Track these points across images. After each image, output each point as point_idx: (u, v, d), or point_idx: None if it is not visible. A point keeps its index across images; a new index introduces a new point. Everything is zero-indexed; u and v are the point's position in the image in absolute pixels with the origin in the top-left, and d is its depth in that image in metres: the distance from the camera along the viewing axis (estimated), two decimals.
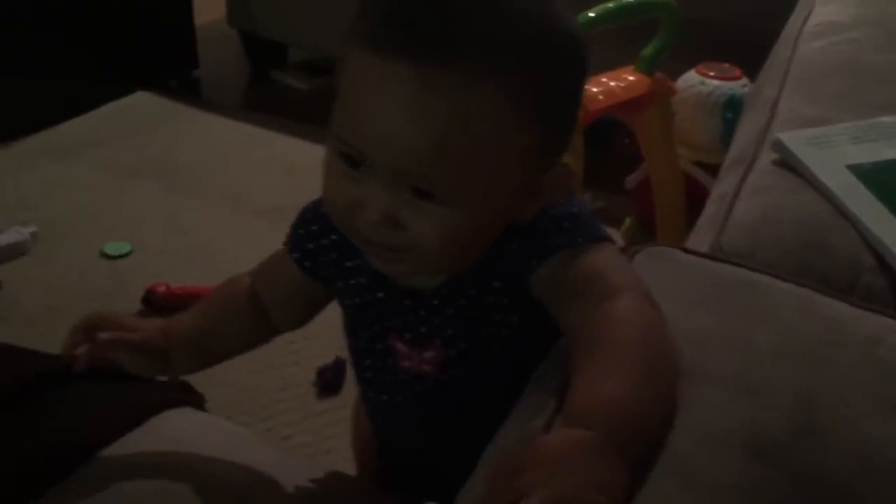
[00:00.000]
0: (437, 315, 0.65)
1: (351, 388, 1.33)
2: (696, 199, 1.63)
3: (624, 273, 0.59)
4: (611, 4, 1.42)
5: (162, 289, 1.47)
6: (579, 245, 0.60)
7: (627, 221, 1.77)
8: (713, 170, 1.64)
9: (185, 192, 1.85)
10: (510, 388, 0.60)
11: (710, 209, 0.90)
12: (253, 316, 0.78)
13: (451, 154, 0.54)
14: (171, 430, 0.79)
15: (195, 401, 0.94)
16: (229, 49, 2.51)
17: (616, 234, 1.67)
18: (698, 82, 1.66)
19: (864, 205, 0.78)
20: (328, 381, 1.34)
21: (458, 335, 0.65)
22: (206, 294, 0.83)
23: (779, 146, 0.88)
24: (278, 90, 2.39)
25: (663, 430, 0.51)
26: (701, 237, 0.84)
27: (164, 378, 0.83)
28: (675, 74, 1.69)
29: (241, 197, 1.85)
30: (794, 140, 0.88)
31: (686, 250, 0.72)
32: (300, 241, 0.72)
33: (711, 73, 1.67)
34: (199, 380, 1.30)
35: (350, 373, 1.32)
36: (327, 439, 1.25)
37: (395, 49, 0.53)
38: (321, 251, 0.70)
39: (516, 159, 0.57)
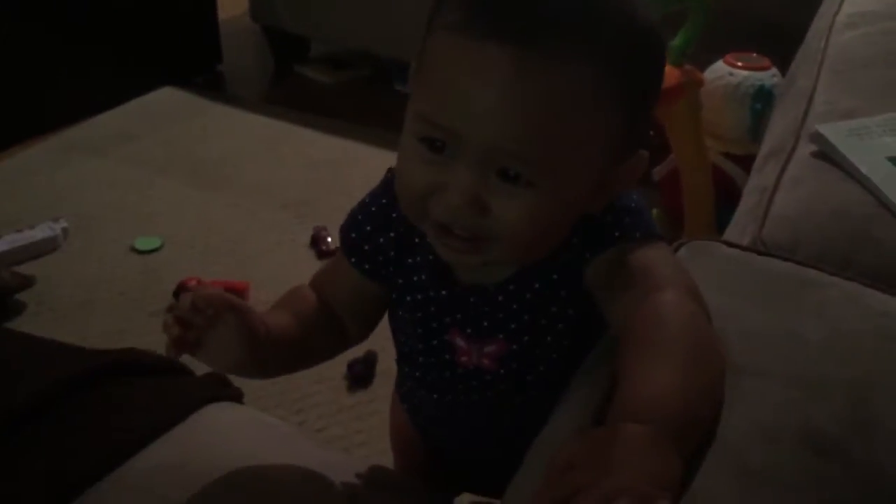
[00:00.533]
0: (501, 310, 0.65)
1: (381, 382, 1.34)
2: (723, 190, 1.63)
3: (673, 269, 0.59)
4: None
5: (193, 283, 1.48)
6: (636, 239, 0.61)
7: (655, 212, 1.76)
8: (741, 161, 1.64)
9: (212, 187, 1.86)
10: (561, 381, 0.61)
11: (749, 202, 0.90)
12: (327, 326, 0.73)
13: (545, 135, 0.54)
14: (214, 425, 0.79)
15: (234, 395, 0.95)
16: (252, 44, 2.52)
17: None
18: (727, 73, 1.65)
19: None
20: (359, 374, 1.35)
21: (520, 329, 0.65)
22: (287, 302, 0.76)
23: (818, 138, 0.88)
24: (301, 84, 2.40)
25: (712, 423, 0.51)
26: (741, 230, 0.84)
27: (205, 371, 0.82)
28: (704, 65, 1.68)
29: (268, 191, 1.86)
30: (834, 132, 0.87)
31: (729, 244, 0.72)
32: (355, 245, 0.70)
33: (740, 64, 1.66)
34: (232, 375, 1.32)
35: (382, 367, 1.34)
36: (359, 432, 1.26)
37: (493, 32, 0.53)
38: (379, 251, 0.69)
39: (602, 146, 0.57)
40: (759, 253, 0.70)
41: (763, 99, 1.62)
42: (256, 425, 0.84)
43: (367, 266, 0.69)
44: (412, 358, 0.72)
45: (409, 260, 0.68)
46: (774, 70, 1.64)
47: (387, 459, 0.95)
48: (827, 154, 0.86)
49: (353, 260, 0.70)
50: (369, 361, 1.36)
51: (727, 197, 1.48)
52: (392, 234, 0.68)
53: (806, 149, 0.90)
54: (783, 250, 0.77)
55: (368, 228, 0.69)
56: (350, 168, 1.97)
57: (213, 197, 1.82)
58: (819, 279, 0.65)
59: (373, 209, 0.68)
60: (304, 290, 0.75)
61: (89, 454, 0.69)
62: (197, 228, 1.72)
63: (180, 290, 1.48)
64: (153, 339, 1.39)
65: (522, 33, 0.53)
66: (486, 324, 0.66)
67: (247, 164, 1.96)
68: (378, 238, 0.68)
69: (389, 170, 0.68)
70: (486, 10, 0.54)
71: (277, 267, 1.61)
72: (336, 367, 1.37)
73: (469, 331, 0.67)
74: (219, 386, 0.97)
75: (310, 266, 1.62)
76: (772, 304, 0.62)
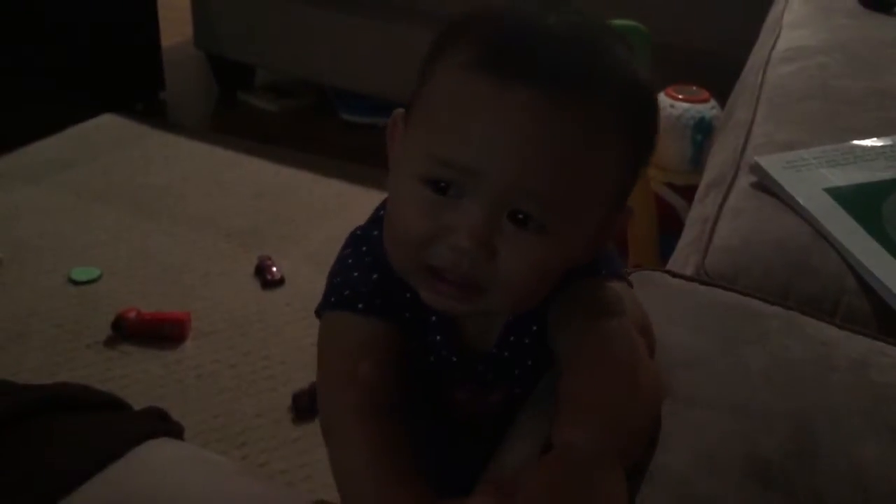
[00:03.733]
0: (505, 362, 0.63)
1: None
2: (666, 219, 1.66)
3: (629, 303, 0.60)
4: None
5: (132, 314, 1.45)
6: (600, 275, 0.61)
7: None
8: (683, 191, 1.66)
9: (153, 216, 1.83)
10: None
11: (691, 232, 0.91)
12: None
13: (565, 177, 0.53)
14: (152, 462, 0.77)
15: (174, 430, 0.93)
16: (196, 71, 2.50)
17: None
18: (668, 105, 1.69)
19: (843, 228, 0.79)
20: (304, 407, 1.33)
21: (524, 374, 0.63)
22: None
23: (757, 169, 0.89)
24: (246, 112, 2.38)
25: (649, 447, 0.52)
26: (684, 259, 0.85)
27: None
28: None
29: (211, 220, 1.83)
30: (772, 163, 0.89)
31: (673, 274, 0.72)
32: (369, 299, 0.60)
33: (680, 96, 1.70)
34: (173, 407, 1.28)
35: None
36: (303, 466, 1.23)
37: (520, 72, 0.52)
38: (397, 302, 0.61)
39: (608, 195, 0.57)
40: (703, 283, 0.71)
41: (703, 130, 1.65)
42: (196, 462, 0.82)
43: (378, 301, 0.60)
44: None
45: (432, 318, 0.62)
46: (714, 102, 1.68)
47: (331, 494, 0.93)
48: (766, 185, 0.88)
49: (367, 308, 0.60)
50: (314, 393, 1.34)
51: (670, 226, 1.50)
52: (407, 294, 0.61)
53: (745, 180, 0.91)
54: (726, 280, 0.77)
55: (376, 278, 0.61)
56: (295, 197, 1.95)
57: (154, 226, 1.79)
58: (761, 309, 0.66)
59: (375, 265, 0.61)
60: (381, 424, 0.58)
61: (18, 496, 0.66)
62: (136, 258, 1.68)
63: (119, 321, 1.45)
64: (89, 371, 1.37)
65: (550, 75, 0.52)
66: (490, 377, 0.64)
67: (189, 193, 1.93)
68: (391, 291, 0.61)
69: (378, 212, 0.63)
70: (510, 50, 0.53)
71: (220, 297, 1.58)
72: (280, 400, 1.35)
73: (473, 386, 0.65)
74: (157, 421, 0.94)
75: (254, 296, 1.60)
76: (716, 333, 0.62)
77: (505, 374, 0.64)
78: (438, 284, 0.55)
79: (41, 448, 0.73)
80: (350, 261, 0.62)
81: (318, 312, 0.63)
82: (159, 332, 1.44)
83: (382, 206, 0.64)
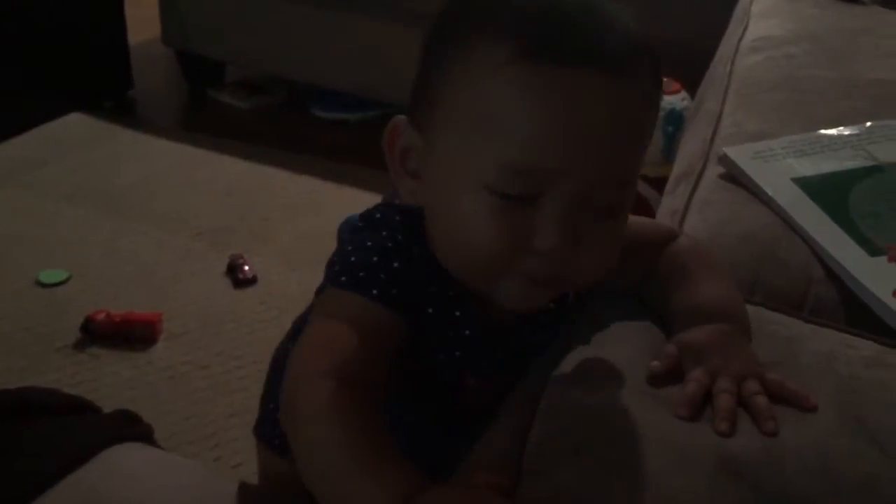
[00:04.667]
0: (523, 344, 0.64)
1: None
2: (639, 211, 1.65)
3: (661, 223, 0.73)
4: None
5: (101, 316, 1.43)
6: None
7: None
8: (655, 182, 1.66)
9: (123, 216, 1.80)
10: None
11: (674, 227, 0.91)
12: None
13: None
14: (119, 467, 0.76)
15: (144, 433, 0.91)
16: (165, 68, 2.46)
17: None
18: None
19: (810, 217, 0.79)
20: None
21: (535, 353, 0.64)
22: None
23: (725, 160, 0.89)
24: (216, 109, 2.35)
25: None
26: None
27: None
28: None
29: (181, 218, 1.81)
30: (740, 154, 0.89)
31: None
32: (382, 281, 0.57)
33: None
34: (144, 409, 1.27)
35: None
36: None
37: (579, 60, 0.51)
38: (412, 284, 0.58)
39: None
40: None
41: (674, 122, 1.65)
42: (163, 466, 0.81)
43: (394, 291, 0.57)
44: (399, 402, 0.61)
45: (456, 313, 0.61)
46: (684, 93, 1.68)
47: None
48: (734, 176, 0.88)
49: (380, 296, 0.57)
50: None
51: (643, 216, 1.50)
52: (432, 289, 0.59)
53: (714, 171, 0.91)
54: None
55: (397, 266, 0.58)
56: (267, 194, 1.94)
57: (124, 226, 1.76)
58: None
59: (398, 252, 0.58)
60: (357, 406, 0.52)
61: None
62: (106, 259, 1.65)
63: (88, 323, 1.43)
64: (58, 376, 1.35)
65: (607, 55, 0.51)
66: (500, 356, 0.64)
67: (159, 192, 1.91)
68: (412, 284, 0.58)
69: (378, 208, 0.61)
70: (558, 36, 0.51)
71: (191, 297, 1.56)
72: (253, 400, 1.32)
73: (486, 371, 0.64)
74: (126, 424, 0.93)
75: (226, 295, 1.58)
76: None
77: (518, 355, 0.64)
78: (530, 289, 0.55)
79: (7, 453, 0.72)
80: (369, 243, 0.58)
81: (321, 289, 0.59)
82: (129, 334, 1.42)
83: (394, 195, 0.62)
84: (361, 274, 0.56)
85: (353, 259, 0.57)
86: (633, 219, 0.65)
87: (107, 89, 2.29)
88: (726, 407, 0.53)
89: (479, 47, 0.52)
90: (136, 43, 2.37)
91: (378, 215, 0.61)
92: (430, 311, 0.60)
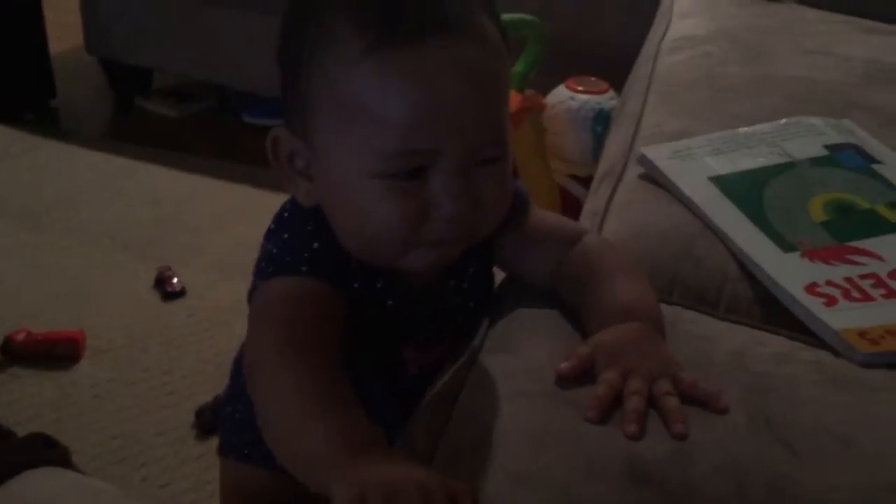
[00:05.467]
0: (451, 312, 0.67)
1: None
2: (572, 211, 1.66)
3: (570, 221, 0.72)
4: None
5: (21, 336, 1.38)
6: (529, 207, 0.68)
7: None
8: (587, 182, 1.67)
9: (44, 230, 1.75)
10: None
11: (584, 225, 0.91)
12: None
13: (502, 109, 0.57)
14: (31, 492, 0.73)
15: (60, 456, 0.88)
16: (90, 77, 2.40)
17: None
18: (568, 97, 1.69)
19: (726, 215, 0.80)
20: (208, 422, 1.28)
21: (467, 319, 0.67)
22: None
23: (643, 160, 0.90)
24: (144, 118, 2.30)
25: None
26: None
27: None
28: (545, 90, 1.71)
29: (107, 231, 1.76)
30: (658, 154, 0.89)
31: None
32: (311, 262, 0.60)
33: (580, 88, 1.70)
34: (68, 430, 1.23)
35: None
36: (208, 484, 1.19)
37: (426, 35, 0.53)
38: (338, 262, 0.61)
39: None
40: None
41: (603, 121, 1.66)
42: (79, 491, 0.79)
43: (321, 266, 0.60)
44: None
45: (378, 285, 0.64)
46: (612, 93, 1.70)
47: None
48: (653, 176, 0.88)
49: (311, 271, 0.59)
50: (217, 407, 1.30)
51: (576, 218, 1.51)
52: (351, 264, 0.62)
53: (634, 171, 0.91)
54: None
55: (317, 246, 0.61)
56: (197, 203, 1.90)
57: (45, 240, 1.71)
58: None
59: (317, 234, 0.61)
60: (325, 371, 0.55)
61: None
62: (26, 276, 1.60)
63: (7, 343, 1.38)
64: None
65: (450, 23, 0.54)
66: (435, 329, 0.66)
67: (84, 204, 1.85)
68: (335, 261, 0.61)
69: (285, 208, 0.64)
70: (401, 17, 0.54)
71: (117, 312, 1.52)
72: (182, 417, 1.30)
73: (420, 342, 0.67)
74: (40, 449, 0.90)
75: (153, 309, 1.54)
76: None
77: (448, 323, 0.67)
78: (436, 252, 0.59)
79: None
80: (286, 235, 0.61)
81: (252, 292, 0.61)
82: (52, 353, 1.37)
83: (291, 205, 0.64)
84: (287, 259, 0.59)
85: (275, 251, 0.61)
86: (543, 215, 0.70)
87: (28, 100, 2.22)
88: (635, 409, 0.53)
89: (331, 47, 0.55)
90: (59, 51, 2.31)
91: (286, 214, 0.64)
92: (356, 285, 0.62)
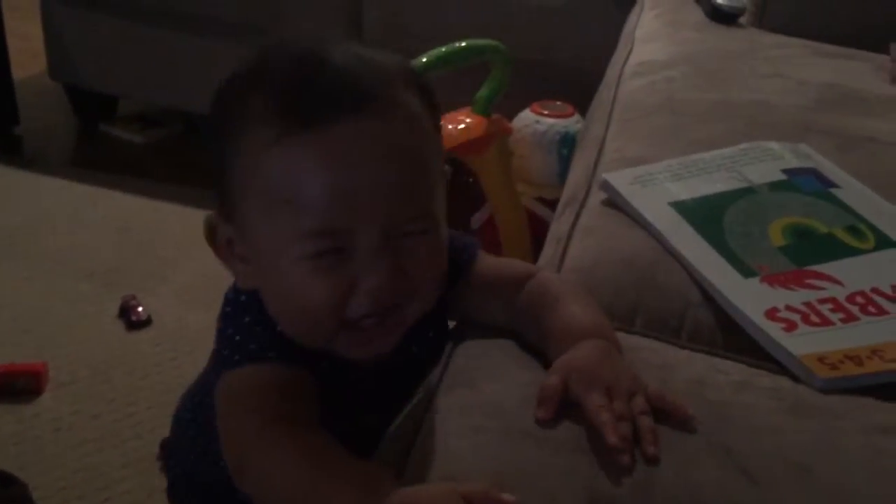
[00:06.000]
0: (405, 379, 0.66)
1: None
2: (540, 234, 1.67)
3: (521, 262, 0.73)
4: (442, 49, 1.43)
5: None
6: (477, 256, 0.69)
7: None
8: (554, 205, 1.68)
9: (5, 259, 1.72)
10: None
11: (548, 251, 0.91)
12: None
13: (424, 181, 0.58)
14: None
15: (17, 495, 0.87)
16: (54, 103, 2.38)
17: None
18: (533, 121, 1.70)
19: (687, 241, 0.80)
20: None
21: (419, 379, 0.66)
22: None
23: (606, 186, 0.90)
24: (109, 144, 2.28)
25: None
26: None
27: None
28: (511, 114, 1.72)
29: (70, 260, 1.73)
30: (620, 180, 0.90)
31: None
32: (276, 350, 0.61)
33: (546, 112, 1.72)
34: (29, 465, 1.21)
35: None
36: None
37: (337, 117, 0.54)
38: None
39: (440, 180, 0.61)
40: None
41: (569, 145, 1.67)
42: None
43: (288, 350, 0.61)
44: None
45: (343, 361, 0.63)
46: (578, 116, 1.71)
47: None
48: (615, 202, 0.89)
49: (279, 356, 0.61)
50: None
51: (543, 240, 1.51)
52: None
53: (597, 197, 0.92)
54: None
55: (280, 330, 0.61)
56: (162, 231, 1.88)
57: (6, 269, 1.68)
58: None
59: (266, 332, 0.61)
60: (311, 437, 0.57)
61: None
62: None
63: None
64: None
65: (365, 101, 0.54)
66: (390, 391, 0.67)
67: (46, 232, 1.83)
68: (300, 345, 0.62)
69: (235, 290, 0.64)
70: (314, 102, 0.54)
71: (81, 343, 1.50)
72: (147, 448, 1.28)
73: (379, 407, 0.66)
74: None
75: (118, 339, 1.52)
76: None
77: (406, 387, 0.66)
78: (364, 335, 0.58)
79: None
80: (247, 319, 0.61)
81: (218, 382, 0.61)
82: (12, 387, 1.35)
83: (233, 293, 0.64)
84: (252, 346, 0.60)
85: (238, 338, 0.61)
86: (493, 259, 0.71)
87: None
88: (626, 436, 0.53)
89: (248, 133, 0.56)
90: (22, 77, 2.28)
91: (243, 297, 0.63)
92: (324, 364, 0.62)
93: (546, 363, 0.61)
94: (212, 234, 0.62)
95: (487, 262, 0.71)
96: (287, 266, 0.56)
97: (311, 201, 0.54)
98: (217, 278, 1.86)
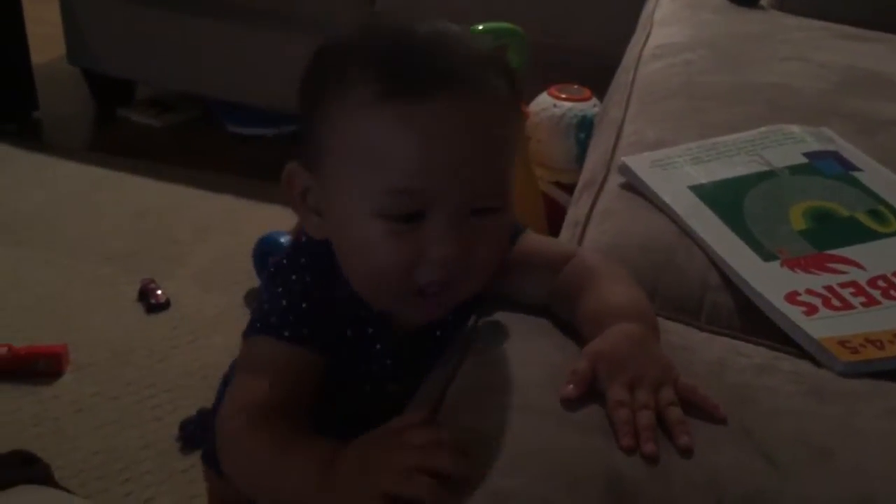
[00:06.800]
0: (433, 349, 0.68)
1: None
2: (557, 218, 1.66)
3: (558, 241, 0.77)
4: None
5: (3, 351, 1.36)
6: (520, 233, 0.70)
7: None
8: (570, 189, 1.67)
9: (25, 243, 1.73)
10: None
11: (566, 234, 0.91)
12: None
13: (503, 163, 0.61)
14: None
15: (39, 474, 0.88)
16: (72, 88, 2.39)
17: None
18: (551, 105, 1.69)
19: (706, 224, 0.80)
20: (191, 436, 1.28)
21: (440, 351, 0.68)
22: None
23: (625, 169, 0.90)
24: (126, 129, 2.29)
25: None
26: None
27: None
28: (528, 98, 1.71)
29: (89, 244, 1.75)
30: (639, 163, 0.89)
31: None
32: (299, 327, 0.65)
33: (563, 96, 1.71)
34: (50, 446, 1.22)
35: None
36: (193, 498, 1.18)
37: (433, 89, 0.56)
38: (328, 328, 0.66)
39: (513, 165, 0.63)
40: None
41: (587, 129, 1.66)
42: None
43: (305, 331, 0.65)
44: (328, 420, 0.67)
45: (362, 313, 0.67)
46: (595, 100, 1.70)
47: None
48: (634, 185, 0.88)
49: (292, 336, 0.65)
50: (202, 420, 1.29)
51: (560, 225, 1.51)
52: (348, 332, 0.67)
53: (615, 180, 0.91)
54: None
55: (305, 307, 0.65)
56: (180, 215, 1.89)
57: (27, 254, 1.70)
58: None
59: (305, 294, 0.65)
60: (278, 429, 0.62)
61: None
62: (7, 290, 1.59)
63: None
64: None
65: (464, 81, 0.57)
66: (418, 365, 0.68)
67: (66, 216, 1.84)
68: (325, 327, 0.66)
69: (296, 242, 0.68)
70: (414, 69, 0.57)
71: (100, 326, 1.51)
72: (166, 430, 1.29)
73: (403, 377, 0.69)
74: (20, 466, 0.89)
75: (137, 322, 1.53)
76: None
77: (431, 357, 0.68)
78: (428, 302, 0.61)
79: None
80: (279, 289, 0.66)
81: (244, 335, 0.67)
82: (33, 368, 1.36)
83: (303, 237, 0.68)
84: (273, 319, 0.64)
85: (266, 307, 0.65)
86: (535, 237, 0.72)
87: (10, 112, 2.21)
88: (648, 426, 0.53)
89: (348, 92, 0.58)
90: (41, 62, 2.29)
91: (285, 261, 0.67)
92: (349, 333, 0.67)
93: (581, 343, 0.61)
94: (289, 183, 0.64)
95: (531, 239, 0.71)
96: (363, 223, 0.58)
97: (400, 163, 0.57)
98: (233, 261, 1.88)
